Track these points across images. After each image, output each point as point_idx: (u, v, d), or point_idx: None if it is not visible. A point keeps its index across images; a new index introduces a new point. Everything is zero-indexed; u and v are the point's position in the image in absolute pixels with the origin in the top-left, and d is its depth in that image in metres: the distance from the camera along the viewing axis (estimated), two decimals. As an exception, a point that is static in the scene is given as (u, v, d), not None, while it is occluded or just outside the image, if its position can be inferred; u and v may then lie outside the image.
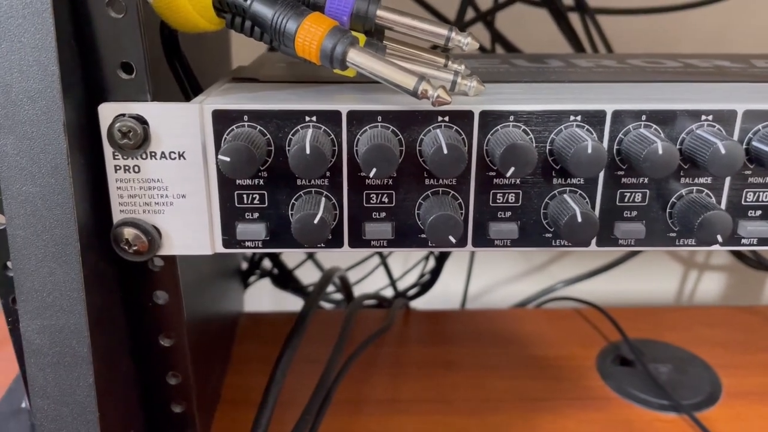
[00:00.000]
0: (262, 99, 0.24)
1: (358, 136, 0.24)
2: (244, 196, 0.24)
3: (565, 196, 0.24)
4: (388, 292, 0.65)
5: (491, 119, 0.24)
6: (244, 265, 0.59)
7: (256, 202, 0.24)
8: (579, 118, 0.24)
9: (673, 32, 0.65)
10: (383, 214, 0.25)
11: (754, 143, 0.24)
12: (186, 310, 0.30)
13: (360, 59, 0.22)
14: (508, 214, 0.25)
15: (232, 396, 0.49)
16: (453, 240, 0.23)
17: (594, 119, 0.24)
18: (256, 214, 0.24)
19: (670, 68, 0.33)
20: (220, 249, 0.25)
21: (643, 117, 0.24)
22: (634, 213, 0.25)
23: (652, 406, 0.47)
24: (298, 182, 0.24)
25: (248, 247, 0.25)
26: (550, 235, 0.25)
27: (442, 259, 0.60)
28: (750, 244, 0.25)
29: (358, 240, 0.25)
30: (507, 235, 0.25)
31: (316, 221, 0.22)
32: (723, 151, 0.22)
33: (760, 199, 0.25)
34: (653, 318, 0.59)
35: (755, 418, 0.46)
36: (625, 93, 0.26)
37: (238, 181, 0.24)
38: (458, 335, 0.57)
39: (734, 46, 0.65)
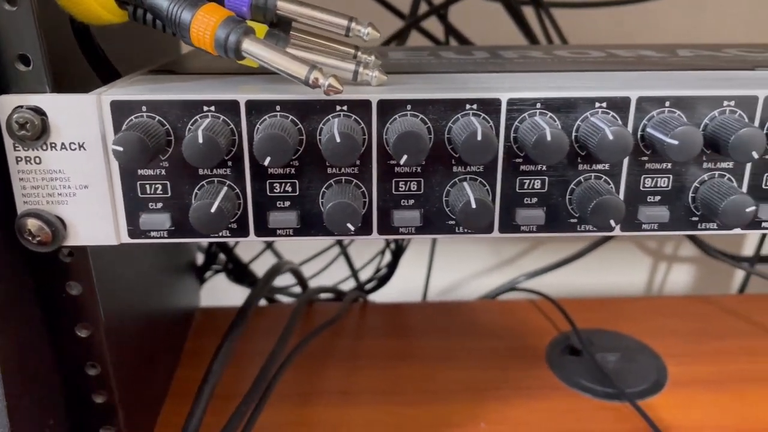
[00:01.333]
0: (162, 90, 0.24)
1: (257, 125, 0.24)
2: (147, 186, 0.24)
3: (464, 183, 0.25)
4: (351, 284, 0.65)
5: (389, 108, 0.24)
6: (201, 260, 0.59)
7: (158, 192, 0.25)
8: (475, 106, 0.24)
9: (635, 25, 0.65)
10: (287, 203, 0.25)
11: (648, 130, 0.24)
12: (113, 301, 0.31)
13: (254, 49, 0.23)
14: (411, 201, 0.25)
15: (181, 389, 0.49)
16: (351, 227, 0.23)
17: (489, 107, 0.24)
18: (159, 204, 0.25)
19: (591, 58, 0.33)
20: (126, 239, 0.25)
21: (539, 105, 0.24)
22: (534, 200, 0.25)
23: (597, 395, 0.47)
24: (200, 172, 0.24)
25: (154, 237, 0.25)
26: (453, 222, 0.25)
27: (398, 253, 0.60)
28: (650, 229, 0.26)
29: (264, 229, 0.25)
30: (410, 222, 0.25)
31: (213, 210, 0.23)
32: (611, 137, 0.23)
33: (657, 185, 0.25)
34: (608, 309, 0.60)
35: (697, 405, 0.46)
36: (526, 82, 0.26)
37: (140, 172, 0.24)
38: (414, 328, 0.58)
39: (701, 38, 0.66)
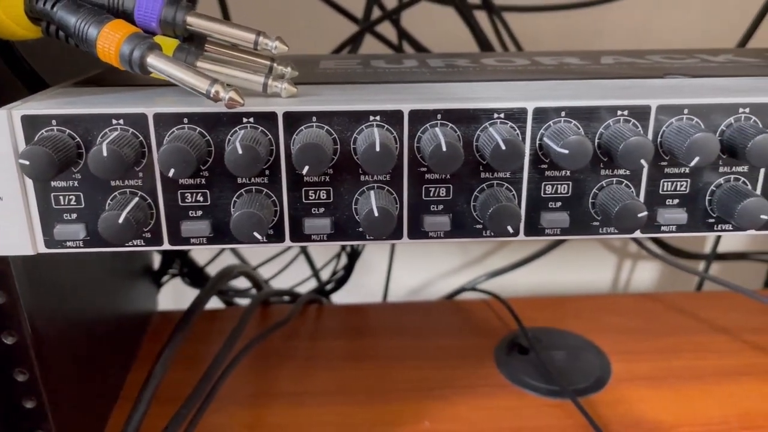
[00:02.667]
0: (74, 104, 0.25)
1: (166, 137, 0.25)
2: (61, 197, 0.25)
3: (371, 192, 0.26)
4: (311, 286, 0.66)
5: (295, 120, 0.25)
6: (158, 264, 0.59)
7: (72, 203, 0.25)
8: (378, 118, 0.25)
9: (592, 29, 0.67)
10: (200, 213, 0.26)
11: (544, 139, 0.25)
12: (47, 308, 0.31)
13: (158, 64, 0.23)
14: (321, 210, 0.26)
15: (133, 393, 0.50)
16: (258, 236, 0.24)
17: (392, 119, 0.25)
18: (74, 215, 0.25)
19: (512, 67, 0.34)
20: (43, 249, 0.26)
21: (439, 116, 0.25)
22: (441, 207, 0.26)
23: (541, 392, 0.48)
24: (113, 183, 0.25)
25: (70, 247, 0.26)
26: (362, 229, 0.26)
27: (353, 256, 0.61)
28: (553, 234, 0.27)
29: (177, 238, 0.26)
30: (321, 230, 0.26)
31: (120, 221, 0.23)
32: (503, 147, 0.23)
33: (558, 192, 0.26)
34: (560, 308, 0.61)
35: (638, 401, 0.48)
36: (434, 93, 0.27)
37: (53, 183, 0.25)
38: (370, 329, 0.59)
39: (653, 43, 0.67)
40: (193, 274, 0.58)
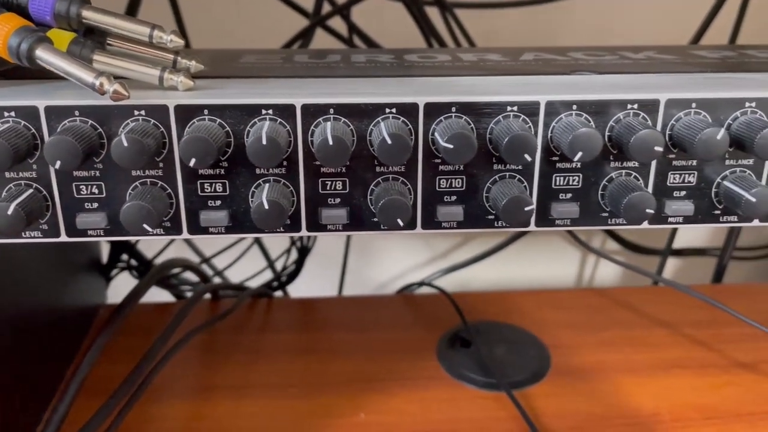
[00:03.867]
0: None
1: (57, 130, 0.25)
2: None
3: (266, 185, 0.26)
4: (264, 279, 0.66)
5: (188, 113, 0.25)
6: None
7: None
8: (271, 111, 0.25)
9: (553, 27, 0.67)
10: (96, 205, 0.26)
11: (435, 134, 0.26)
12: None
13: (46, 56, 0.24)
14: (218, 203, 0.27)
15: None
16: (148, 228, 0.25)
17: (285, 113, 0.25)
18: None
19: (432, 63, 0.34)
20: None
21: (331, 111, 0.25)
22: (338, 200, 0.27)
23: (478, 384, 0.49)
24: (8, 174, 0.25)
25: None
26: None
27: (304, 251, 0.61)
28: (449, 227, 0.27)
29: (74, 231, 0.26)
30: (217, 222, 0.26)
31: (9, 212, 0.24)
32: (389, 142, 0.24)
33: (452, 186, 0.27)
34: (507, 302, 0.61)
35: (573, 394, 0.48)
36: (329, 88, 0.27)
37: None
38: (317, 322, 0.59)
39: (614, 40, 0.68)
40: (143, 268, 0.58)
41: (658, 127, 0.27)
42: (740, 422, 0.46)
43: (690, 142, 0.25)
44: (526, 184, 0.27)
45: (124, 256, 0.57)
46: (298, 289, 0.68)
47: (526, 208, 0.25)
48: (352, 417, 0.46)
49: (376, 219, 0.27)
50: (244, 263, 0.64)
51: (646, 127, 0.25)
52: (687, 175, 0.27)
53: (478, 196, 0.27)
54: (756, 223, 0.28)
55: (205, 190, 0.26)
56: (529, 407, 0.47)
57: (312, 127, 0.25)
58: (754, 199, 0.26)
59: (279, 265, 0.65)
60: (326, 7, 0.59)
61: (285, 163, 0.26)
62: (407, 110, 0.26)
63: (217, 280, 0.65)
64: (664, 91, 0.26)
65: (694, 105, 0.26)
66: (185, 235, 0.27)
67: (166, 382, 0.50)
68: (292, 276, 0.63)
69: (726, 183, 0.27)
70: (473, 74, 0.31)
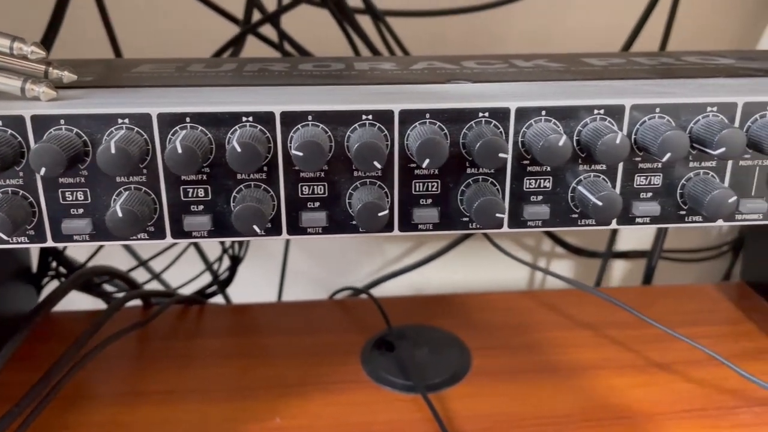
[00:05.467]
0: None
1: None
2: None
3: (126, 192, 0.26)
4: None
5: (43, 123, 0.26)
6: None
7: None
8: (127, 120, 0.26)
9: (495, 31, 0.68)
10: (80, 210, 0.27)
11: (291, 143, 0.26)
12: None
13: None
14: (81, 210, 0.27)
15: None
16: (4, 236, 0.25)
17: (141, 122, 0.26)
18: None
19: (327, 71, 0.35)
20: None
21: (188, 119, 0.26)
22: (201, 207, 0.27)
23: (396, 387, 0.50)
24: None
25: None
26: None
27: (236, 260, 0.62)
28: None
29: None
30: (80, 231, 0.27)
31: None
32: (238, 150, 0.25)
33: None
34: (434, 305, 0.62)
35: (490, 395, 0.49)
36: (187, 97, 0.28)
37: None
38: (249, 328, 0.59)
39: (553, 47, 0.69)
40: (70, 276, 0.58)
41: (510, 134, 0.27)
42: (650, 422, 0.47)
43: (536, 149, 0.26)
44: (386, 190, 0.28)
45: (54, 264, 0.57)
46: (250, 294, 0.69)
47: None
48: (268, 422, 0.46)
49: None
50: (169, 265, 0.65)
51: (494, 134, 0.26)
52: (542, 180, 0.28)
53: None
54: (720, 222, 0.29)
55: (67, 198, 0.27)
56: (444, 409, 0.48)
57: (169, 135, 0.26)
58: (600, 203, 0.27)
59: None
60: (257, 15, 0.60)
61: (145, 171, 0.27)
62: (263, 119, 0.26)
63: (155, 284, 0.66)
64: (515, 100, 0.27)
65: (543, 113, 0.27)
66: (50, 242, 0.27)
67: (90, 389, 0.50)
68: (226, 283, 0.63)
69: (579, 187, 0.28)
70: (348, 83, 0.32)
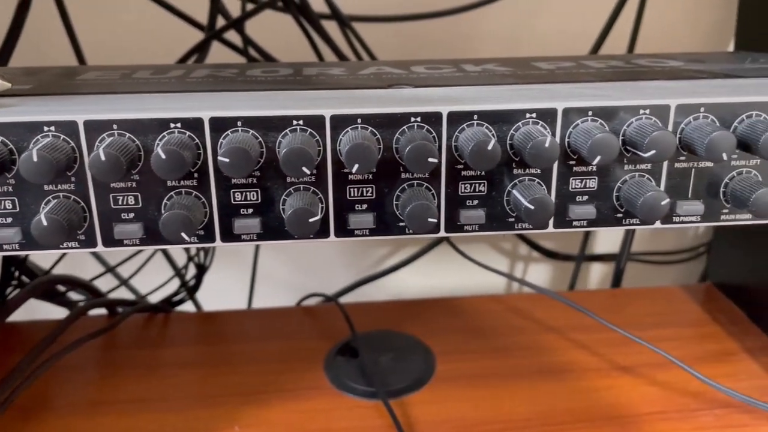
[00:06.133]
0: None
1: None
2: None
3: (54, 200, 0.26)
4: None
5: None
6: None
7: None
8: (53, 128, 0.26)
9: (468, 35, 0.68)
10: (9, 219, 0.27)
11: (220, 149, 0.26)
12: None
13: None
14: (9, 219, 0.27)
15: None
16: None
17: (68, 129, 0.26)
18: None
19: (275, 77, 0.35)
20: None
21: (115, 126, 0.26)
22: (131, 215, 0.27)
23: (358, 394, 0.49)
24: None
25: None
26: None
27: (201, 269, 0.61)
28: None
29: None
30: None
31: None
32: (162, 156, 0.24)
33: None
34: (401, 311, 0.62)
35: (452, 400, 0.49)
36: (109, 104, 0.28)
37: None
38: (215, 335, 0.59)
39: (523, 51, 0.69)
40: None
41: (443, 138, 0.27)
42: (610, 425, 0.47)
43: (467, 153, 0.26)
44: (321, 195, 0.28)
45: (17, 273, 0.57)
46: (224, 300, 0.68)
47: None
48: (226, 430, 0.46)
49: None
50: (136, 272, 0.64)
51: (425, 139, 0.26)
52: (477, 185, 0.28)
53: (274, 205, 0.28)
54: (658, 225, 0.29)
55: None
56: (405, 415, 0.47)
57: (97, 143, 0.26)
58: (532, 207, 0.26)
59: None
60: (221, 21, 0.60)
61: (73, 179, 0.26)
62: (192, 125, 0.26)
63: (124, 291, 0.65)
64: (448, 104, 0.27)
65: (476, 117, 0.27)
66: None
67: (50, 399, 0.50)
68: (193, 290, 0.63)
69: (514, 191, 0.28)
70: (289, 89, 0.32)
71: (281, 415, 0.47)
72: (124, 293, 0.68)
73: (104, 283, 0.64)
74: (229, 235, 0.28)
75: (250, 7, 0.60)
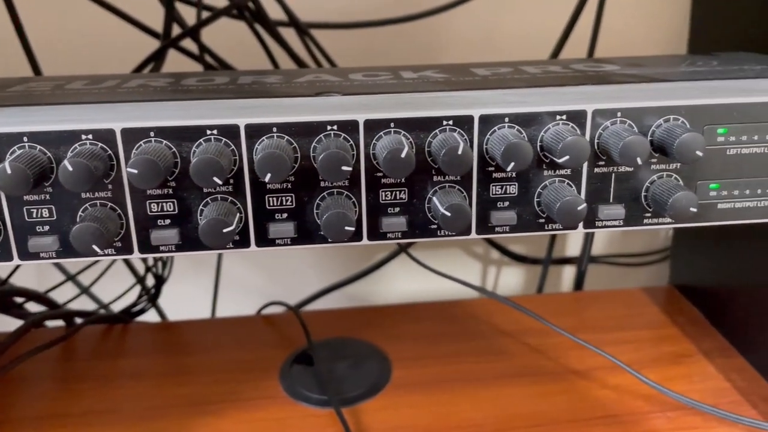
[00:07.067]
0: None
1: None
2: None
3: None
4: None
5: None
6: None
7: None
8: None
9: (430, 41, 0.68)
10: None
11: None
12: None
13: None
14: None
15: None
16: None
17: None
18: None
19: (213, 86, 0.35)
20: None
21: (25, 138, 0.26)
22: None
23: (312, 402, 0.49)
24: None
25: None
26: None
27: (159, 279, 0.61)
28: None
29: None
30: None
31: None
32: (70, 169, 0.24)
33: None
34: (360, 317, 0.61)
35: (405, 407, 0.49)
36: (38, 115, 0.28)
37: None
38: (174, 346, 0.58)
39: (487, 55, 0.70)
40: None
41: (361, 146, 0.27)
42: (564, 429, 0.46)
43: (381, 161, 0.26)
44: (240, 205, 0.28)
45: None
46: (189, 309, 0.68)
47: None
48: (176, 441, 0.46)
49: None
50: (97, 279, 0.64)
51: (340, 147, 0.26)
52: (398, 192, 0.28)
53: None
54: (581, 230, 0.29)
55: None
56: (358, 422, 0.47)
57: (8, 155, 0.26)
58: (448, 214, 0.26)
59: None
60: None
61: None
62: (104, 137, 0.26)
63: (86, 301, 0.65)
64: (365, 112, 0.27)
65: (392, 125, 0.27)
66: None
67: (1, 410, 0.49)
68: (154, 299, 0.62)
69: (434, 198, 0.28)
70: (214, 98, 0.32)
71: (233, 425, 0.47)
72: (88, 303, 0.68)
73: (71, 293, 0.64)
74: (147, 247, 0.27)
75: (206, 14, 0.60)
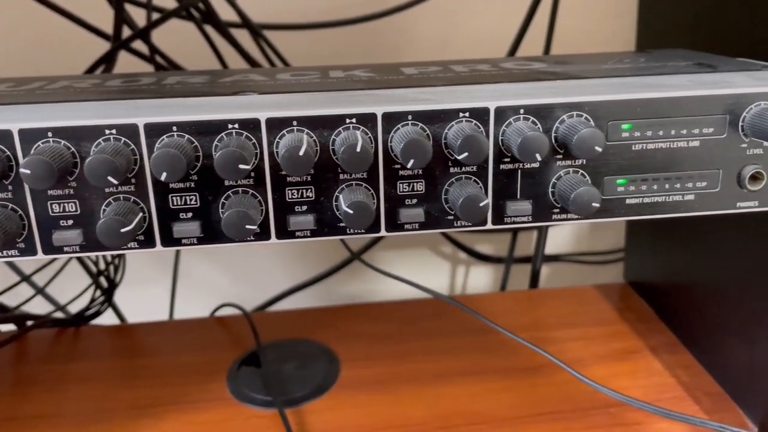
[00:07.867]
0: None
1: None
2: None
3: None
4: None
5: None
6: None
7: None
8: None
9: (392, 41, 0.68)
10: None
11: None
12: None
13: None
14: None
15: None
16: None
17: None
18: None
19: (136, 86, 0.35)
20: None
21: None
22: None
23: (257, 403, 0.49)
24: None
25: None
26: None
27: (112, 284, 0.61)
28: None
29: None
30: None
31: None
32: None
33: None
34: (312, 318, 0.61)
35: (350, 407, 0.49)
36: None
37: None
38: (126, 349, 0.58)
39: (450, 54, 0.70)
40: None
41: (264, 144, 0.27)
42: (506, 426, 0.47)
43: (281, 160, 0.26)
44: (143, 205, 0.27)
45: None
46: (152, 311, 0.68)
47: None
48: (117, 444, 0.46)
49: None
50: (51, 281, 0.63)
51: (239, 146, 0.26)
52: (304, 190, 0.28)
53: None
54: (489, 226, 0.29)
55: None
56: (301, 423, 0.47)
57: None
58: (351, 211, 0.27)
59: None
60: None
61: None
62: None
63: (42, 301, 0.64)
64: (267, 110, 0.27)
65: (295, 123, 0.27)
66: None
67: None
68: (108, 300, 0.62)
69: (340, 196, 0.28)
70: (130, 98, 0.32)
71: (176, 427, 0.47)
72: (46, 306, 0.68)
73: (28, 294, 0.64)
74: (50, 248, 0.27)
75: (156, 16, 0.60)
